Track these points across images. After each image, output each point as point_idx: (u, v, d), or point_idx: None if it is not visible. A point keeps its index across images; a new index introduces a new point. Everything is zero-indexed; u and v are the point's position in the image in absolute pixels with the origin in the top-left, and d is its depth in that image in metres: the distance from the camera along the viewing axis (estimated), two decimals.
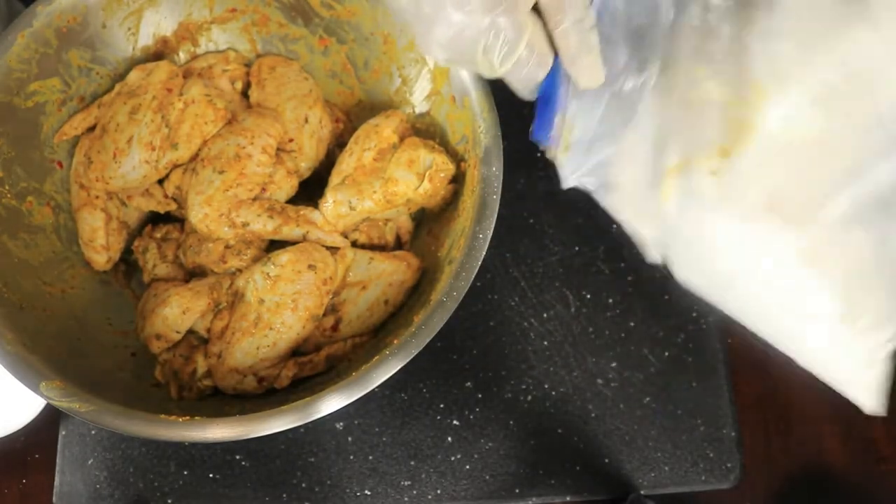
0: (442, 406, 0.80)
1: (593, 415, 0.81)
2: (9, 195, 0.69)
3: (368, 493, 0.78)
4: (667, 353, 0.82)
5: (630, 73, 0.56)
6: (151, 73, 0.73)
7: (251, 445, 0.78)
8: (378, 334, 0.70)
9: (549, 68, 0.56)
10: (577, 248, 0.85)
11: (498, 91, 0.70)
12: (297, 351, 0.69)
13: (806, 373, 0.83)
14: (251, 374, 0.66)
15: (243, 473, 0.78)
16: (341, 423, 0.79)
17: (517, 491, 0.79)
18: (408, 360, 0.60)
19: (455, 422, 0.80)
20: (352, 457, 0.79)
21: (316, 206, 0.71)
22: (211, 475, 0.78)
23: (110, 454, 0.78)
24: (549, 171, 0.87)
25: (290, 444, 0.79)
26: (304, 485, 0.78)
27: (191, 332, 0.70)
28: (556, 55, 0.55)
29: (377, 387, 0.60)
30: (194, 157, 0.71)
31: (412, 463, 0.79)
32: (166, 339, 0.69)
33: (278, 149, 0.73)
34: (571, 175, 0.60)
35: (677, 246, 0.58)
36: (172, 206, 0.74)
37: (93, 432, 0.78)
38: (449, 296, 0.62)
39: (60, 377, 0.61)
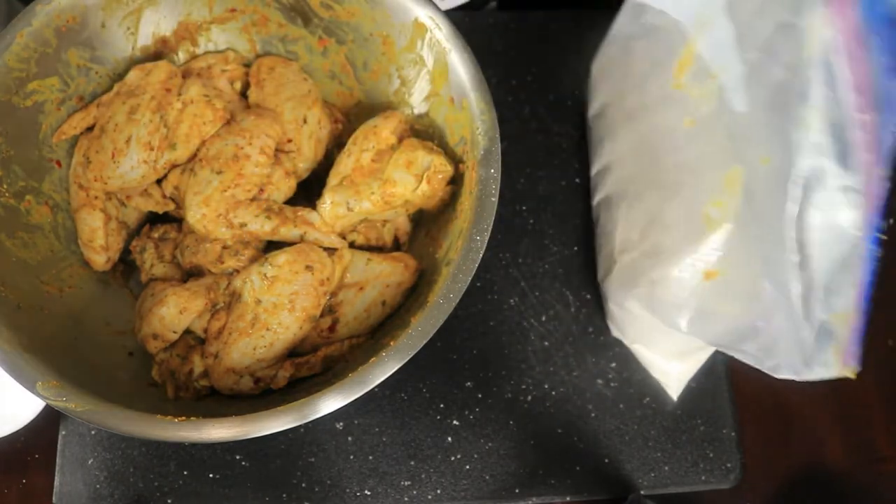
0: (442, 406, 0.80)
1: (593, 415, 0.81)
2: (7, 194, 0.69)
3: (368, 493, 0.78)
4: None
5: None
6: (150, 72, 0.73)
7: (251, 445, 0.78)
8: (375, 335, 0.70)
9: None
10: (576, 248, 0.85)
11: (496, 92, 0.70)
12: (294, 352, 0.69)
13: None
14: (248, 375, 0.66)
15: (243, 473, 0.78)
16: (341, 423, 0.79)
17: (517, 491, 0.79)
18: (405, 361, 0.60)
19: (455, 422, 0.80)
20: (352, 457, 0.79)
21: (314, 206, 0.71)
22: (211, 475, 0.78)
23: (110, 454, 0.78)
24: (548, 171, 0.88)
25: (290, 444, 0.79)
26: (304, 485, 0.78)
27: (188, 332, 0.70)
28: None
29: (377, 387, 0.59)
30: (193, 158, 0.71)
31: (412, 463, 0.79)
32: (163, 339, 0.69)
33: (277, 149, 0.73)
34: None
35: None
36: (170, 207, 0.74)
37: (93, 432, 0.78)
38: (446, 297, 0.62)
39: (57, 377, 0.60)
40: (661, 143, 0.73)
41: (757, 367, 0.65)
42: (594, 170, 0.86)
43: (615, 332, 0.82)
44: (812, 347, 0.61)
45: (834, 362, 0.60)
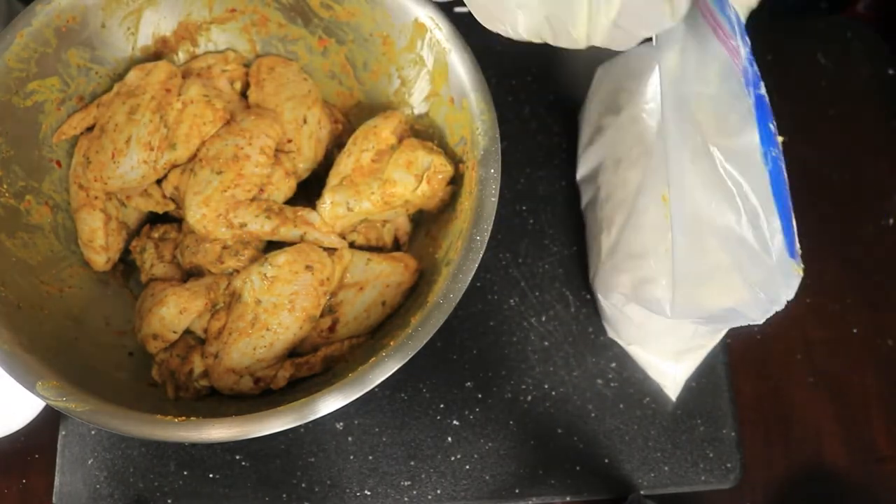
0: (442, 406, 0.80)
1: (593, 415, 0.81)
2: (7, 194, 0.69)
3: (368, 493, 0.78)
4: None
5: None
6: (150, 73, 0.73)
7: (251, 445, 0.78)
8: (375, 335, 0.70)
9: None
10: (576, 248, 0.85)
11: (496, 92, 0.70)
12: (294, 352, 0.69)
13: (806, 372, 0.84)
14: (248, 375, 0.66)
15: (243, 473, 0.78)
16: (341, 424, 0.79)
17: (517, 491, 0.79)
18: (405, 361, 0.60)
19: (455, 422, 0.80)
20: (352, 457, 0.79)
21: (314, 207, 0.71)
22: (211, 475, 0.78)
23: (110, 454, 0.78)
24: (548, 171, 0.88)
25: (290, 444, 0.79)
26: (304, 485, 0.78)
27: (188, 332, 0.70)
28: None
29: (377, 387, 0.60)
30: (193, 158, 0.71)
31: (412, 463, 0.79)
32: (163, 339, 0.69)
33: (277, 149, 0.73)
34: None
35: None
36: (171, 207, 0.74)
37: (93, 432, 0.78)
38: (446, 297, 0.62)
39: (57, 377, 0.60)
40: (643, 140, 0.74)
41: (750, 324, 0.64)
42: (579, 174, 0.86)
43: (611, 334, 0.82)
44: (780, 274, 0.61)
45: (794, 272, 0.61)
